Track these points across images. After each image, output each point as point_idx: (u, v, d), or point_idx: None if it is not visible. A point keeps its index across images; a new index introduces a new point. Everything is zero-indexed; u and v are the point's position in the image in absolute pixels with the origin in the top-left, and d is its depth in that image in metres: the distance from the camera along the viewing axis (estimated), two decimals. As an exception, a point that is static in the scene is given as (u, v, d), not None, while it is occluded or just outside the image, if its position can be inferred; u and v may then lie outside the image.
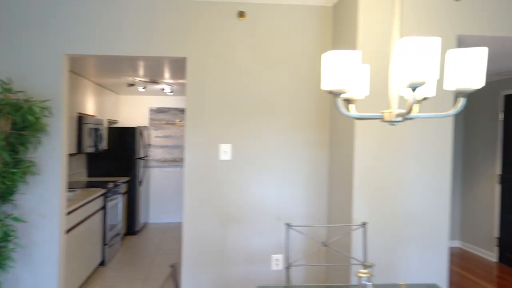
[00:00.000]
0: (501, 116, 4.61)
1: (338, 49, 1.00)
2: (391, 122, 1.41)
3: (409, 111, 1.27)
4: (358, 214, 2.60)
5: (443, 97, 2.64)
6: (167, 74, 4.72)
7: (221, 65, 2.96)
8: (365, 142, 2.59)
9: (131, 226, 5.69)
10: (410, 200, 2.66)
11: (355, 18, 2.59)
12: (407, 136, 2.65)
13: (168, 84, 5.43)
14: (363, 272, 1.60)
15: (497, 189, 4.67)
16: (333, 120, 3.00)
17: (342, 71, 1.27)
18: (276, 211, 3.08)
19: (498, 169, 4.66)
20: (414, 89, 1.21)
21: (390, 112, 1.38)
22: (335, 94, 1.32)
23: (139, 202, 5.79)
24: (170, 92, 5.96)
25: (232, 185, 3.01)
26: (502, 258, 4.56)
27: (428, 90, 1.48)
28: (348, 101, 1.59)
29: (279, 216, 3.08)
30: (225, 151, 3.00)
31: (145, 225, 6.39)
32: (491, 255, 4.73)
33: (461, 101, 1.31)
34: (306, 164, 3.10)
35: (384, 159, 2.62)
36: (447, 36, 2.66)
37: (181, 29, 2.91)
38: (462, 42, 2.79)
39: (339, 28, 2.88)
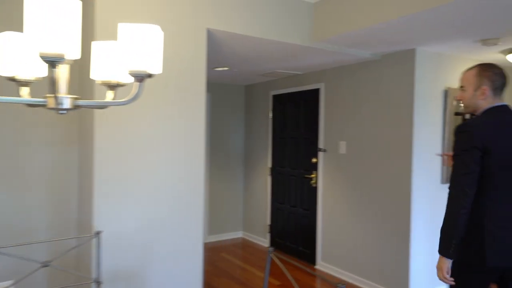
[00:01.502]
0: (270, 114, 5.08)
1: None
2: (59, 111, 1.10)
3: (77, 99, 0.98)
4: (100, 222, 2.25)
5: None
6: None
7: None
8: (108, 140, 2.26)
9: None
10: (160, 205, 2.48)
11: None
12: (157, 135, 2.46)
13: None
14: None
15: (269, 180, 5.14)
16: (82, 113, 2.57)
17: None
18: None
19: (269, 163, 5.12)
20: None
21: (55, 97, 1.07)
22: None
23: None
24: None
25: None
26: (273, 243, 5.04)
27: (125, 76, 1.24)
28: (19, 83, 1.22)
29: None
30: None
31: None
32: (265, 242, 5.18)
33: (137, 87, 1.11)
34: (51, 166, 2.57)
35: (129, 160, 2.35)
36: (197, 28, 2.59)
37: None
38: (213, 36, 2.79)
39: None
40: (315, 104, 4.39)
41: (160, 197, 2.46)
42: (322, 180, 4.28)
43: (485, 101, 1.80)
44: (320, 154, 4.31)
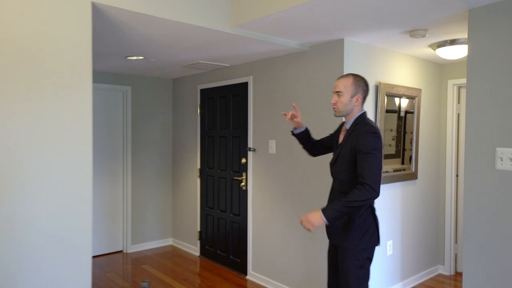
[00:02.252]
0: (199, 110, 4.64)
1: None
2: None
3: None
4: None
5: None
6: None
7: None
8: None
9: None
10: (38, 215, 1.96)
11: None
12: (36, 133, 1.94)
13: None
14: None
15: (198, 183, 4.70)
16: None
17: None
18: None
19: (198, 163, 4.69)
20: None
21: None
22: None
23: None
24: None
25: None
26: (203, 251, 4.62)
27: None
28: None
29: None
30: None
31: None
32: (196, 250, 4.74)
33: None
34: None
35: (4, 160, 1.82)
36: (81, 2, 2.10)
37: None
38: (102, 12, 2.30)
39: None
40: (244, 100, 4.02)
41: (30, 206, 1.94)
42: (252, 182, 3.92)
43: (357, 108, 2.15)
44: (250, 154, 3.94)
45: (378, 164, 1.94)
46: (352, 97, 2.11)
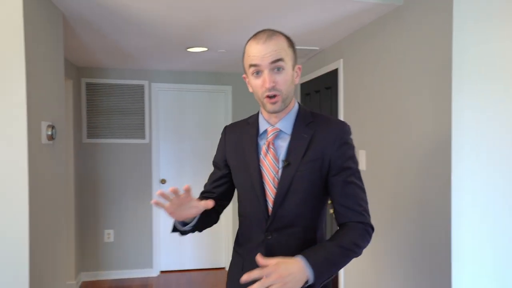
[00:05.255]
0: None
1: None
2: None
3: None
4: None
5: None
6: None
7: None
8: None
9: None
10: None
11: None
12: None
13: None
14: None
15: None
16: None
17: None
18: None
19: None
20: None
21: None
22: None
23: None
24: None
25: None
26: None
27: None
28: None
29: None
30: None
31: None
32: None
33: None
34: None
35: None
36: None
37: None
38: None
39: None
40: (334, 93, 2.92)
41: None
42: (343, 208, 2.79)
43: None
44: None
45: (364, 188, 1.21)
46: (293, 69, 1.19)
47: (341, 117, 2.77)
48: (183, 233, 1.24)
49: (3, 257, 1.64)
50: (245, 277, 0.98)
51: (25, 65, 1.66)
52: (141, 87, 4.05)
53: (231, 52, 3.21)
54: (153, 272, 4.10)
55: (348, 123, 2.62)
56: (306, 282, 1.01)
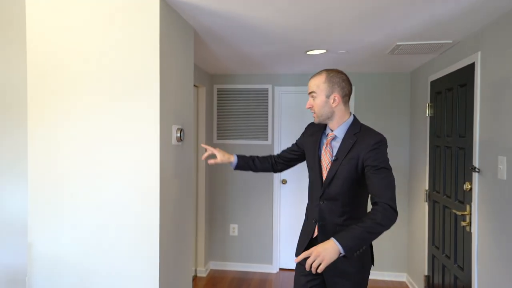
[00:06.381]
0: (428, 110, 3.39)
1: None
2: None
3: None
4: (34, 240, 2.04)
5: None
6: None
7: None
8: (42, 146, 2.02)
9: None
10: (107, 225, 2.00)
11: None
12: (103, 141, 2.00)
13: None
14: None
15: (426, 210, 3.46)
16: None
17: None
18: None
19: (426, 183, 3.44)
20: None
21: None
22: None
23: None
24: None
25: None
26: (428, 304, 3.35)
27: None
28: None
29: None
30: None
31: None
32: (423, 299, 3.51)
33: None
34: None
35: (66, 171, 2.01)
36: None
37: None
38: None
39: None
40: (470, 91, 2.57)
41: (106, 215, 1.99)
42: (478, 223, 2.43)
43: (339, 110, 1.80)
44: (475, 177, 2.47)
45: (394, 180, 1.63)
46: (327, 97, 1.77)
47: (476, 120, 2.43)
48: (236, 168, 2.10)
49: (138, 237, 1.94)
50: (298, 259, 1.51)
51: (159, 77, 1.92)
52: (265, 91, 4.25)
53: (352, 52, 3.11)
54: (273, 269, 4.26)
55: (485, 126, 2.29)
56: (340, 254, 1.49)
